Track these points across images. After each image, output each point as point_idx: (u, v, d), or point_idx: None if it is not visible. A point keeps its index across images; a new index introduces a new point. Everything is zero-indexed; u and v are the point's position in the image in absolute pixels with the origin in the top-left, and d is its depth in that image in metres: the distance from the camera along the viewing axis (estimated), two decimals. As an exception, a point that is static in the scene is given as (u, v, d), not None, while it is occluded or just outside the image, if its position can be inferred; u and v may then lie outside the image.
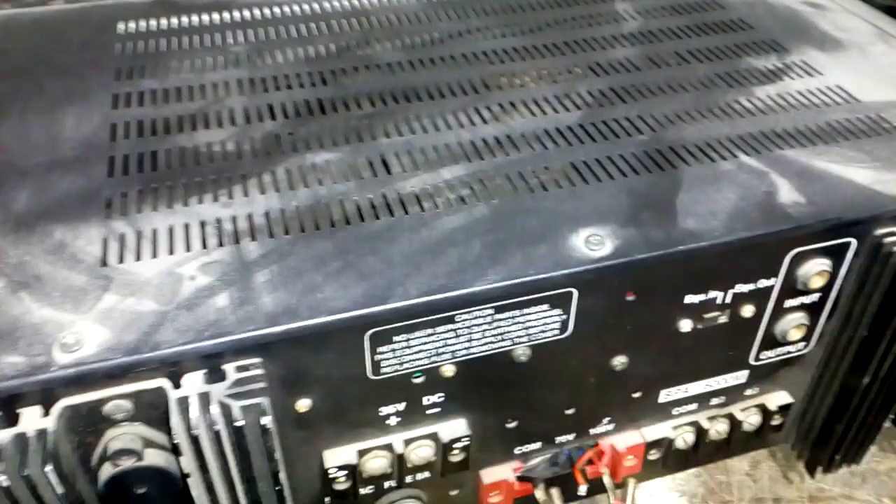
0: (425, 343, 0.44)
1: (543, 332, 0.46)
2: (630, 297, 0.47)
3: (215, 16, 0.71)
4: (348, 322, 0.41)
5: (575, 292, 0.45)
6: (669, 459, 0.57)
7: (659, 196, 0.49)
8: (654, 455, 0.56)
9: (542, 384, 0.49)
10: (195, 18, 0.70)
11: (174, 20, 0.70)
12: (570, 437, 0.54)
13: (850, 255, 0.50)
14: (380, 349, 0.43)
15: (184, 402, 0.37)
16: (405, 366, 0.44)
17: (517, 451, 0.53)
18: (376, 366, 0.43)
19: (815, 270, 0.50)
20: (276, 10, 0.72)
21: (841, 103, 0.59)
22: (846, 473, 0.65)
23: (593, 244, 0.45)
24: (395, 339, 0.43)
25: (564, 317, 0.46)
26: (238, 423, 0.38)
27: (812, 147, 0.54)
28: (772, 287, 0.50)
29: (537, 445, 0.53)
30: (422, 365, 0.45)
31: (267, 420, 0.38)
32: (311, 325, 0.40)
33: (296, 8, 0.72)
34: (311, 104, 0.58)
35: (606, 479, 0.55)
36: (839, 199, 0.49)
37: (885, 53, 0.66)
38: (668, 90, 0.60)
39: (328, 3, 0.73)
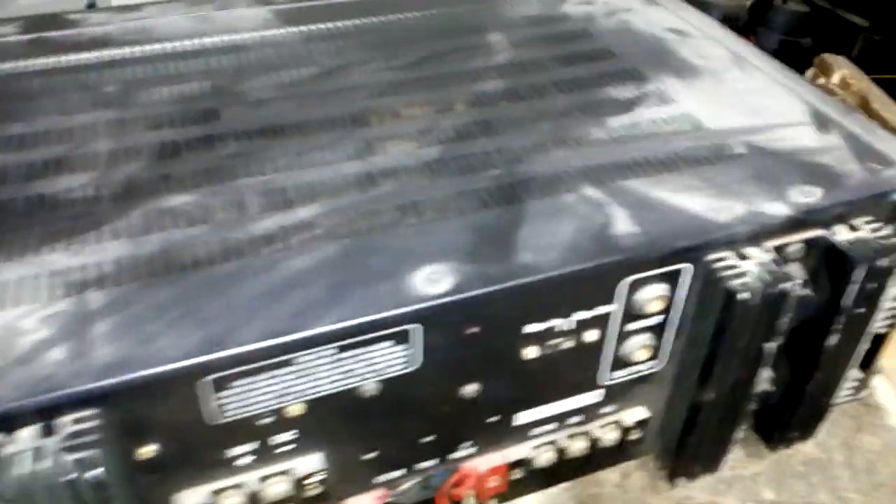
0: (269, 385, 0.45)
1: (391, 366, 0.48)
2: (473, 330, 0.48)
3: (92, 54, 0.71)
4: (182, 370, 0.42)
5: (418, 328, 0.46)
6: (535, 477, 0.59)
7: (501, 231, 0.51)
8: (517, 474, 0.58)
9: (397, 416, 0.51)
10: (71, 57, 0.70)
11: (48, 59, 0.69)
12: (433, 462, 0.55)
13: (685, 279, 0.53)
14: (222, 393, 0.44)
15: (9, 460, 0.37)
16: (250, 409, 0.45)
17: (380, 479, 0.54)
18: (220, 409, 0.44)
19: (651, 296, 0.52)
20: (154, 46, 0.72)
21: (689, 130, 0.62)
22: (713, 480, 0.68)
23: (433, 281, 0.47)
24: (236, 383, 0.44)
25: (411, 351, 0.47)
26: (69, 477, 0.38)
27: (655, 176, 0.56)
28: (611, 313, 0.52)
29: (400, 473, 0.55)
30: (267, 406, 0.46)
31: (98, 472, 0.39)
32: (144, 376, 0.41)
33: (175, 44, 0.73)
34: (177, 144, 0.59)
35: (470, 502, 0.56)
36: (671, 228, 0.51)
37: (740, 79, 0.69)
38: (527, 123, 0.62)
39: (207, 39, 0.74)
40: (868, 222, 0.56)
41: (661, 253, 0.50)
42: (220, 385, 0.43)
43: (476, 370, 0.51)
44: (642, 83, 0.68)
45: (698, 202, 0.54)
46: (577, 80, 0.68)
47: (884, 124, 0.89)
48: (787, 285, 0.51)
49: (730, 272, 0.51)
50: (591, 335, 0.53)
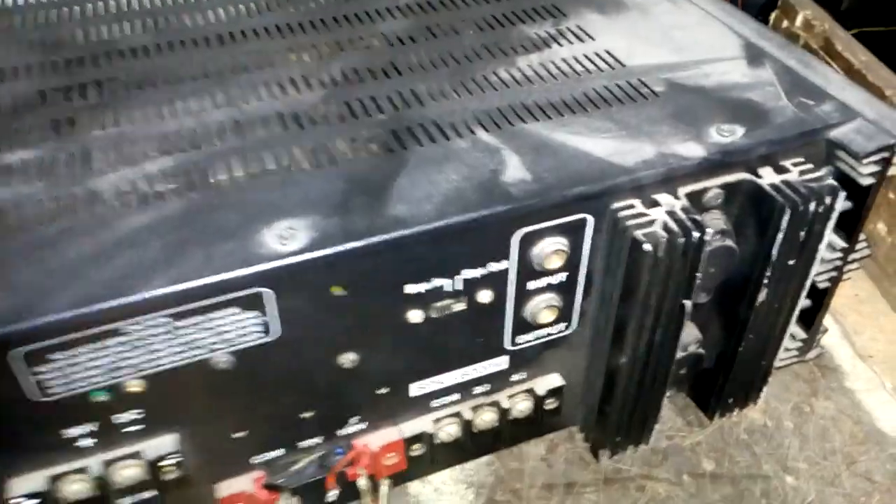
0: (96, 359, 0.39)
1: (244, 336, 0.42)
2: (340, 293, 0.43)
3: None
4: None
5: (269, 292, 0.41)
6: (441, 452, 0.54)
7: (377, 181, 0.45)
8: (417, 450, 0.53)
9: (262, 390, 0.45)
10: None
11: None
12: (318, 440, 0.50)
13: (588, 231, 0.47)
14: (38, 368, 0.38)
15: None
16: (77, 385, 0.40)
17: (257, 460, 0.49)
18: (41, 387, 0.39)
19: (548, 250, 0.46)
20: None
21: (605, 70, 0.56)
22: (648, 451, 0.63)
23: (285, 238, 0.41)
24: (55, 356, 0.38)
25: (264, 319, 0.42)
26: None
27: (559, 119, 0.50)
28: (506, 270, 0.47)
29: (279, 453, 0.49)
30: (99, 382, 0.40)
31: None
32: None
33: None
34: (30, 96, 0.53)
35: (361, 482, 0.51)
36: (569, 174, 0.46)
37: (669, 14, 0.63)
38: (428, 65, 0.56)
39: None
40: (798, 164, 0.50)
41: (554, 202, 0.45)
42: (35, 358, 0.38)
43: (352, 337, 0.46)
44: (560, 20, 0.62)
45: (604, 145, 0.48)
46: (490, 18, 0.62)
47: (847, 68, 0.83)
48: (697, 234, 0.45)
49: (635, 221, 0.46)
50: (484, 295, 0.47)
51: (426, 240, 0.43)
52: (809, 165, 0.49)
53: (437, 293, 0.46)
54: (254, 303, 0.41)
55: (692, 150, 0.47)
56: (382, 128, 0.49)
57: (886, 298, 0.77)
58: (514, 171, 0.46)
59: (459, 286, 0.46)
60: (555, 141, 0.48)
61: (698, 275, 0.48)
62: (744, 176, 0.49)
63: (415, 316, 0.46)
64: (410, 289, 0.45)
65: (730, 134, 0.48)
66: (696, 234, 0.45)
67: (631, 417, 0.54)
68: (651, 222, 0.46)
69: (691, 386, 0.60)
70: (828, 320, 0.75)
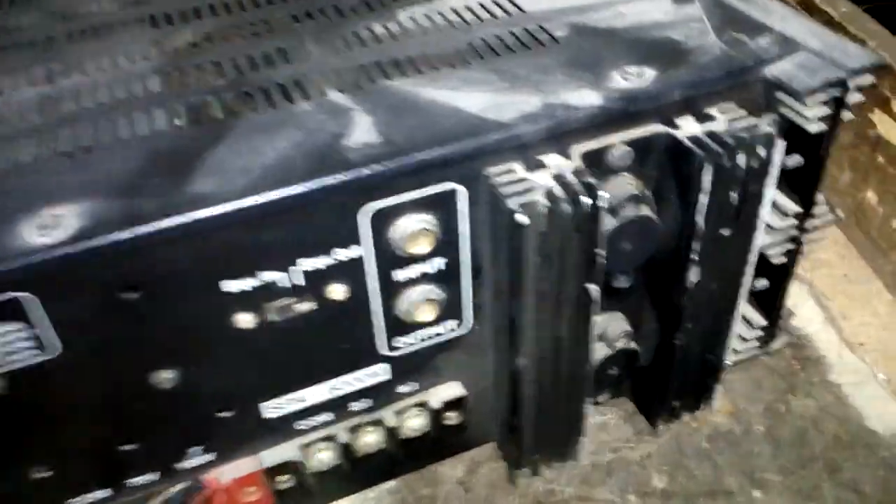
0: None
1: (12, 354, 0.33)
2: (131, 295, 0.34)
3: None
4: None
5: (29, 296, 0.32)
6: (319, 484, 0.45)
7: (188, 155, 0.36)
8: (285, 483, 0.44)
9: (54, 420, 0.37)
10: None
11: None
12: (152, 477, 0.41)
13: (462, 205, 0.37)
14: None
15: None
16: None
17: (77, 502, 0.40)
18: None
19: (410, 230, 0.37)
20: None
21: (499, 17, 0.46)
22: (588, 467, 0.53)
23: (46, 228, 0.32)
24: None
25: (33, 331, 0.33)
26: None
27: (433, 74, 0.41)
28: (360, 258, 0.37)
29: (103, 494, 0.40)
30: None
31: None
32: None
33: None
34: None
35: (216, 523, 0.42)
36: (427, 135, 0.36)
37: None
38: (291, 25, 0.47)
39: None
40: (727, 111, 0.40)
41: (406, 168, 0.35)
42: None
43: (164, 351, 0.37)
44: (457, -35, 0.52)
45: (479, 100, 0.38)
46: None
47: (828, 21, 0.72)
48: (588, 201, 0.36)
49: (512, 189, 0.36)
50: (337, 291, 0.38)
51: (238, 222, 0.34)
52: (741, 112, 0.39)
53: (270, 290, 0.36)
54: (14, 311, 0.32)
55: (586, 99, 0.38)
56: (215, 95, 0.40)
57: (880, 277, 0.67)
58: (362, 134, 0.36)
59: (299, 280, 0.37)
60: (422, 98, 0.39)
61: (599, 252, 0.38)
62: (657, 129, 0.39)
63: (244, 320, 0.37)
64: (230, 286, 0.35)
65: (636, 77, 0.39)
66: (585, 201, 0.35)
67: (548, 430, 0.45)
68: (531, 189, 0.36)
69: (631, 389, 0.50)
70: (811, 305, 0.65)
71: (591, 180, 0.36)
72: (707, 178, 0.38)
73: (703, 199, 0.38)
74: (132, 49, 0.45)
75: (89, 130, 0.38)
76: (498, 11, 0.46)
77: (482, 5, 0.47)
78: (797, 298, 0.65)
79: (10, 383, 0.34)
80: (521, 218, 0.35)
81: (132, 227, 0.32)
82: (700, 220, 0.39)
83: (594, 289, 0.39)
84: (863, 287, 0.66)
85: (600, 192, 0.36)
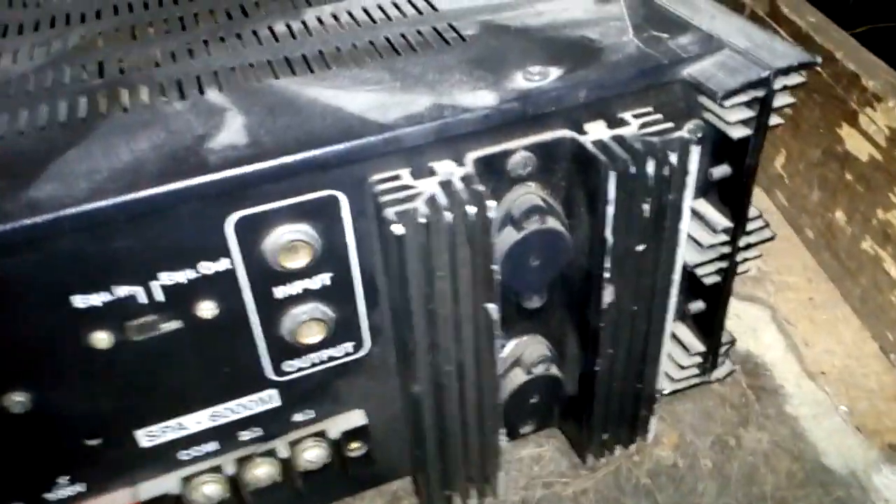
0: None
1: None
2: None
3: None
4: None
5: None
6: (209, 519, 0.41)
7: (37, 160, 0.33)
8: (168, 518, 0.40)
9: None
10: None
11: None
12: (15, 509, 0.37)
13: (345, 214, 0.34)
14: None
15: None
16: None
17: (-73, 537, 0.36)
18: None
19: (281, 242, 0.33)
20: None
21: (410, 15, 0.43)
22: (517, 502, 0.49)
23: None
24: None
25: None
26: None
27: (324, 72, 0.38)
28: (232, 272, 0.34)
29: (-41, 527, 0.37)
30: None
31: None
32: None
33: None
34: None
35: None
36: (300, 136, 0.33)
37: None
38: (192, 22, 0.44)
39: None
40: (643, 115, 0.36)
41: (267, 172, 0.32)
42: None
43: (11, 369, 0.33)
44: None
45: (364, 99, 0.35)
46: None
47: (795, 32, 0.68)
48: (473, 209, 0.32)
49: (392, 197, 0.33)
50: (205, 308, 0.34)
51: (80, 229, 0.30)
52: (657, 116, 0.36)
53: (128, 307, 0.33)
54: None
55: (480, 100, 0.34)
56: (88, 95, 0.37)
57: (848, 301, 0.62)
58: (229, 134, 0.33)
59: (160, 296, 0.33)
60: (304, 97, 0.35)
61: (494, 268, 0.34)
62: (561, 134, 0.35)
63: (100, 339, 0.33)
64: (81, 301, 0.32)
65: (539, 77, 0.35)
66: (470, 210, 0.32)
67: (458, 464, 0.41)
68: (413, 197, 0.32)
69: (560, 420, 0.46)
70: (772, 331, 0.61)
71: (480, 188, 0.33)
72: (610, 186, 0.34)
73: (610, 211, 0.35)
74: (18, 50, 0.42)
75: None
76: (410, 10, 0.43)
77: (395, 4, 0.44)
78: (758, 323, 0.61)
79: None
80: (397, 228, 0.31)
81: (-48, 234, 0.29)
82: (609, 233, 0.35)
83: (492, 308, 0.35)
84: (829, 312, 0.62)
85: (489, 202, 0.32)
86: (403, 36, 0.41)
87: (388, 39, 0.40)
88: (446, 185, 0.33)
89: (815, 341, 0.60)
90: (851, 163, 0.61)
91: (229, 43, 0.41)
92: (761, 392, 0.56)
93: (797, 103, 0.67)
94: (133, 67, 0.39)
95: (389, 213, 0.32)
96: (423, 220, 0.32)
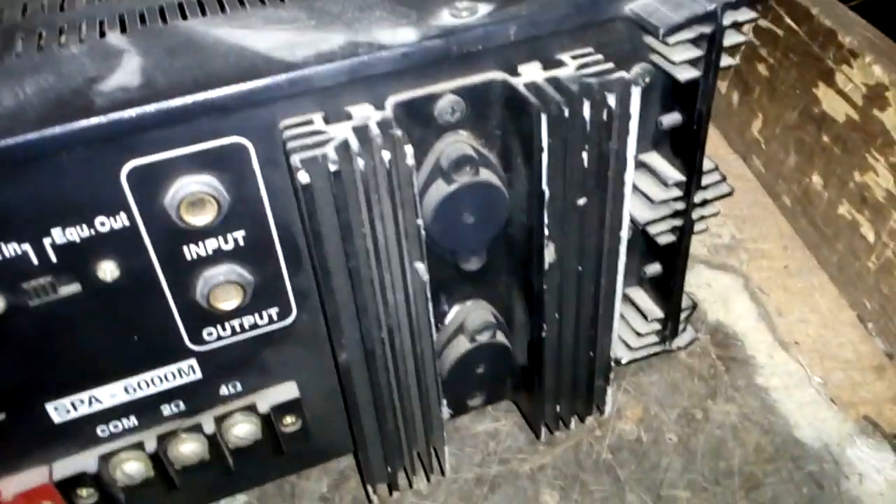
0: None
1: None
2: None
3: None
4: None
5: None
6: (135, 500, 0.37)
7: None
8: (86, 498, 0.36)
9: None
10: None
11: None
12: (-87, 488, 0.34)
13: (255, 165, 0.30)
14: None
15: None
16: None
17: None
18: None
19: (182, 194, 0.30)
20: None
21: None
22: (470, 481, 0.45)
23: None
24: None
25: None
26: None
27: (238, 12, 0.34)
28: (133, 228, 0.30)
29: None
30: None
31: None
32: None
33: None
34: None
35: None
36: (197, 76, 0.29)
37: None
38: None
39: None
40: (581, 56, 0.32)
41: (162, 115, 0.28)
42: None
43: None
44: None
45: (274, 38, 0.31)
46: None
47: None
48: (387, 155, 0.28)
49: (301, 142, 0.29)
50: (105, 269, 0.31)
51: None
52: (598, 57, 0.32)
53: (18, 267, 0.29)
54: None
55: (400, 37, 0.30)
56: None
57: (824, 268, 0.59)
58: (123, 76, 0.30)
59: (53, 256, 0.30)
60: (209, 38, 0.32)
61: (420, 223, 0.30)
62: (491, 76, 0.31)
63: (-5, 304, 0.30)
64: (-34, 262, 0.28)
65: (467, 14, 0.31)
66: (385, 157, 0.28)
67: (399, 439, 0.37)
68: (324, 143, 0.28)
69: (512, 391, 0.42)
70: (744, 299, 0.57)
71: (397, 132, 0.29)
72: (545, 132, 0.30)
73: (545, 159, 0.31)
74: None
75: None
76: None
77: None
78: (729, 293, 0.57)
79: None
80: (303, 176, 0.28)
81: None
82: (545, 185, 0.32)
83: (421, 268, 0.32)
84: (804, 280, 0.58)
85: (406, 147, 0.29)
86: (326, -25, 0.37)
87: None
88: (361, 131, 0.29)
89: (788, 310, 0.56)
90: (828, 124, 0.57)
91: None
92: (731, 363, 0.52)
93: (774, 64, 0.63)
94: (36, 11, 0.36)
95: (295, 160, 0.28)
96: (333, 168, 0.28)
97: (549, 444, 0.47)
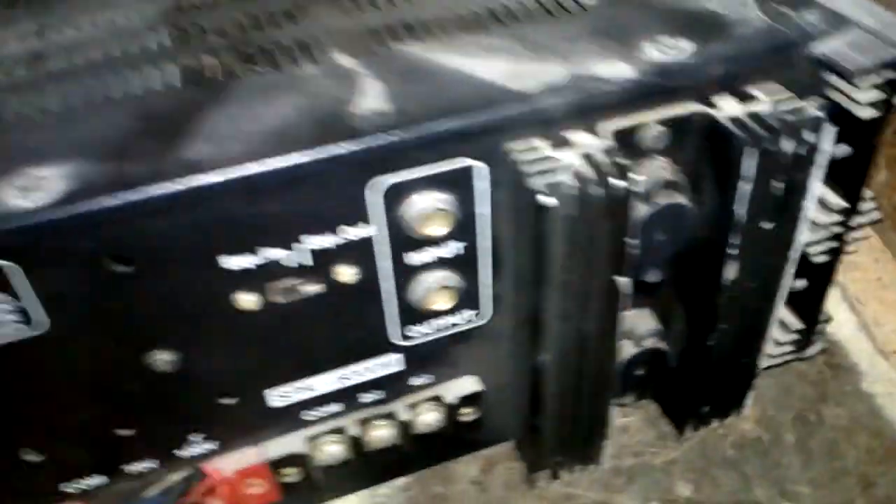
0: None
1: (-3, 327, 0.29)
2: (123, 267, 0.29)
3: None
4: None
5: (12, 266, 0.28)
6: (327, 479, 0.40)
7: (182, 118, 0.31)
8: (291, 476, 0.39)
9: (44, 400, 0.32)
10: None
11: None
12: (151, 464, 0.37)
13: (480, 184, 0.33)
14: None
15: None
16: None
17: (68, 488, 0.36)
18: None
19: (424, 209, 0.32)
20: None
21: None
22: (609, 472, 0.48)
23: (26, 191, 0.28)
24: None
25: (17, 304, 0.29)
26: None
27: (450, 39, 0.36)
28: (370, 238, 0.32)
29: (98, 480, 0.36)
30: None
31: None
32: None
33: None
34: None
35: (212, 518, 0.38)
36: (443, 103, 0.31)
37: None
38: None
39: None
40: (771, 92, 0.34)
41: (418, 139, 0.30)
42: None
43: (160, 330, 0.32)
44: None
45: (498, 68, 0.34)
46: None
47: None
48: (620, 183, 0.31)
49: (536, 168, 0.31)
50: (346, 273, 0.33)
51: (235, 192, 0.29)
52: (787, 94, 0.34)
53: (273, 269, 0.32)
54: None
55: (618, 71, 0.33)
56: (214, 54, 0.36)
57: (915, 283, 0.60)
58: (371, 100, 0.32)
59: (306, 260, 0.32)
60: (435, 64, 0.34)
61: (631, 242, 0.33)
62: (695, 108, 0.34)
63: (246, 301, 0.32)
64: (230, 262, 0.31)
65: (673, 50, 0.33)
66: (617, 184, 0.30)
67: (570, 431, 0.39)
68: (558, 168, 0.31)
69: (657, 391, 0.45)
70: (844, 309, 0.59)
71: (624, 161, 0.31)
72: (750, 164, 0.32)
73: (745, 188, 0.33)
74: (130, 6, 0.41)
75: (78, 88, 0.34)
76: (526, -18, 0.41)
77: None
78: (830, 301, 0.59)
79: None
80: (547, 200, 0.30)
81: (120, 191, 0.28)
82: (741, 210, 0.34)
83: (624, 282, 0.34)
84: (897, 293, 0.60)
85: (632, 175, 0.31)
86: (520, 2, 0.39)
87: (505, 6, 0.39)
88: (589, 157, 0.31)
89: (884, 321, 0.58)
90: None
91: (343, 6, 0.40)
92: (838, 370, 0.54)
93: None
94: (252, 28, 0.38)
95: (537, 183, 0.30)
96: (572, 192, 0.30)
97: (676, 440, 0.49)
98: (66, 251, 0.28)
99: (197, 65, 0.35)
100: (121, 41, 0.37)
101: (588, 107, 0.32)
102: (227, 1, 0.41)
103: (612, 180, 0.31)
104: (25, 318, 0.29)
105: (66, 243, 0.28)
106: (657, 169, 0.34)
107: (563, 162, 0.31)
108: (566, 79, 0.32)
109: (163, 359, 0.33)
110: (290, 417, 0.38)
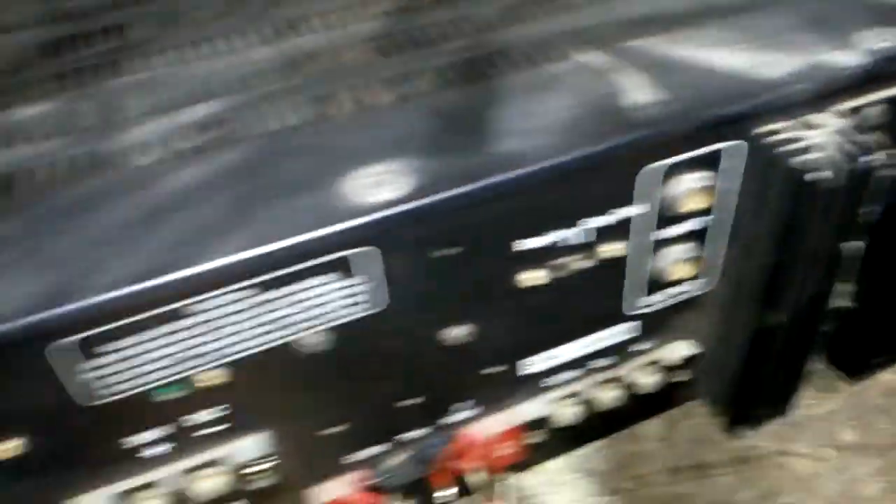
0: (161, 346, 0.29)
1: (347, 308, 0.32)
2: (450, 251, 0.32)
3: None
4: (21, 332, 0.26)
5: (374, 251, 0.30)
6: (558, 439, 0.43)
7: (472, 114, 0.34)
8: (535, 437, 0.42)
9: (363, 374, 0.35)
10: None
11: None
12: (422, 431, 0.39)
13: (734, 162, 0.36)
14: (86, 364, 0.28)
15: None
16: (142, 380, 0.30)
17: (352, 459, 0.39)
18: (91, 385, 0.29)
19: (688, 188, 0.35)
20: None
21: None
22: (778, 424, 0.51)
23: (380, 185, 0.30)
24: (105, 348, 0.28)
25: (370, 285, 0.31)
26: None
27: (671, 34, 0.39)
28: (638, 216, 0.36)
29: (379, 448, 0.39)
30: (168, 376, 0.30)
31: None
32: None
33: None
34: (39, 45, 0.43)
35: (474, 477, 0.40)
36: (707, 93, 0.35)
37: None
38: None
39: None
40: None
41: (699, 124, 0.33)
42: (80, 351, 0.28)
43: (462, 306, 0.35)
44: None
45: (738, 58, 0.37)
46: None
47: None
48: (873, 159, 0.34)
49: (793, 147, 0.34)
50: (611, 249, 0.36)
51: (547, 181, 0.32)
52: None
53: (556, 249, 0.35)
54: (351, 266, 0.31)
55: (847, 59, 0.36)
56: (463, 55, 0.39)
57: None
58: (640, 92, 0.35)
59: (582, 238, 0.35)
60: (675, 57, 0.37)
61: (867, 211, 0.36)
62: (909, 87, 0.37)
63: (530, 278, 0.35)
64: (525, 244, 0.34)
65: (888, 39, 0.37)
66: (864, 160, 0.34)
67: (777, 386, 0.43)
68: (809, 148, 0.34)
69: (829, 345, 0.48)
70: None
71: (867, 139, 0.35)
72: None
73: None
74: (344, 9, 0.43)
75: (343, 90, 0.36)
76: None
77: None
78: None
79: (336, 338, 0.33)
80: (819, 174, 0.33)
81: (469, 183, 0.31)
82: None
83: (857, 247, 0.37)
84: None
85: (877, 153, 0.34)
86: None
87: (710, 2, 0.42)
88: (841, 136, 0.35)
89: None
90: None
91: (556, 5, 0.42)
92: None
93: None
94: (475, 31, 0.41)
95: (806, 161, 0.34)
96: (838, 167, 0.34)
97: (832, 391, 0.53)
98: (410, 237, 0.31)
99: (445, 65, 0.38)
100: (360, 45, 0.40)
101: (828, 91, 0.35)
102: (443, 8, 0.44)
103: (861, 157, 0.34)
104: (370, 299, 0.32)
105: (411, 231, 0.31)
106: (879, 143, 0.38)
107: (818, 141, 0.34)
108: (806, 67, 0.36)
109: (459, 333, 0.36)
110: (533, 384, 0.41)
